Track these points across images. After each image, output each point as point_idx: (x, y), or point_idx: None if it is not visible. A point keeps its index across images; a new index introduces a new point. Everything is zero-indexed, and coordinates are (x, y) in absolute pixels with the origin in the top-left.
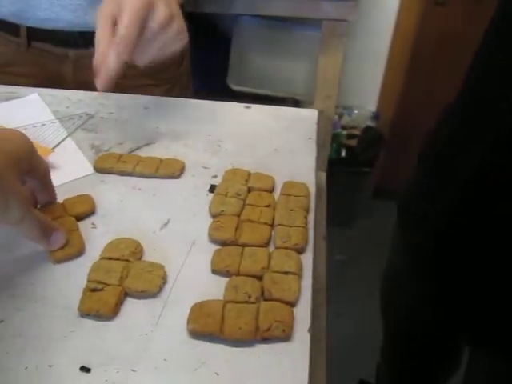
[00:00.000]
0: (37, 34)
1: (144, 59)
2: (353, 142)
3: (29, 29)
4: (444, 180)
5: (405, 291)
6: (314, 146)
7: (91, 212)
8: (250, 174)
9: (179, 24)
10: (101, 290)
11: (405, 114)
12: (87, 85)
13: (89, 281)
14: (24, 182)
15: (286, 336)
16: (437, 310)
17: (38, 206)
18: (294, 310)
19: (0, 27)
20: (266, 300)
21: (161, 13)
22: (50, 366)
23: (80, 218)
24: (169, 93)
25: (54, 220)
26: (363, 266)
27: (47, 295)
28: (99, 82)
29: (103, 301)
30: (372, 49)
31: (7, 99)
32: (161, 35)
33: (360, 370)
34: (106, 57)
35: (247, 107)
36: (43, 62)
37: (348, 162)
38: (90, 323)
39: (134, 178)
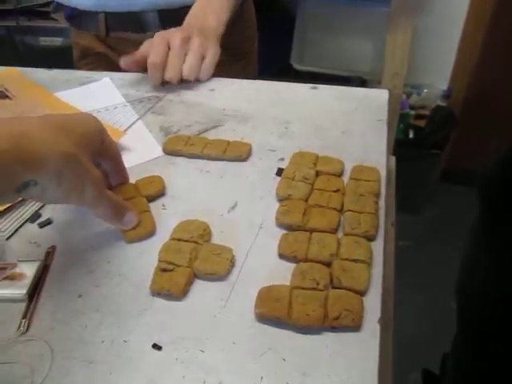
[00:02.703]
0: (114, 21)
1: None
2: (421, 123)
3: (107, 16)
4: None
5: (489, 286)
6: (384, 128)
7: (162, 193)
8: (317, 158)
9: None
10: (171, 270)
11: (478, 93)
12: None
13: (159, 261)
14: (98, 164)
15: (355, 325)
16: None
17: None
18: (364, 299)
19: (80, 20)
20: (334, 288)
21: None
22: (124, 341)
23: (151, 199)
24: (245, 68)
25: (126, 201)
26: (428, 253)
27: (122, 273)
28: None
29: (173, 281)
30: (445, 23)
31: (81, 84)
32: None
33: (422, 360)
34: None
35: (314, 88)
36: (121, 49)
37: (416, 143)
38: (160, 302)
39: (201, 161)
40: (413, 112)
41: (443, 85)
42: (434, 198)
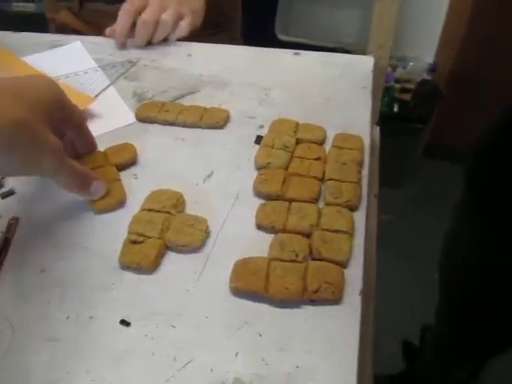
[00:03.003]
0: None
1: None
2: (406, 97)
3: None
4: None
5: (472, 258)
6: (369, 95)
7: (133, 161)
8: (298, 125)
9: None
10: (141, 242)
11: (464, 67)
12: None
13: (129, 232)
14: (61, 132)
15: (335, 298)
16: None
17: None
18: (345, 271)
19: None
20: (314, 259)
21: None
22: (90, 317)
23: (121, 167)
24: (230, 40)
25: (94, 169)
26: (410, 226)
27: (88, 246)
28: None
29: (143, 253)
30: None
31: (51, 47)
32: None
33: (401, 331)
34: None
35: (296, 54)
36: (97, 22)
37: (400, 117)
38: (130, 276)
39: (176, 128)
40: (398, 85)
41: (429, 58)
42: (417, 172)
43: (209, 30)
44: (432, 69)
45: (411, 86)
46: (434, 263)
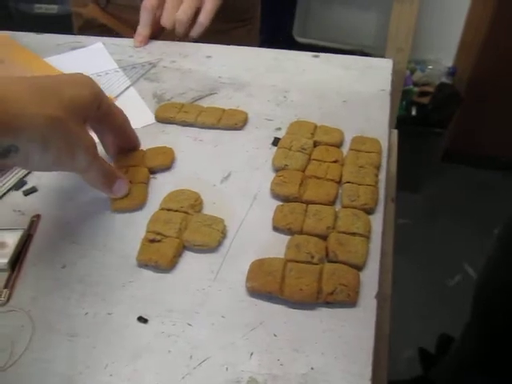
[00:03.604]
0: None
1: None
2: (425, 100)
3: None
4: None
5: None
6: (387, 98)
7: (168, 167)
8: (316, 127)
9: None
10: (159, 241)
11: (485, 71)
12: None
13: (147, 231)
14: (100, 130)
15: (350, 301)
16: None
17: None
18: (361, 274)
19: None
20: (330, 262)
21: None
22: (108, 313)
23: (155, 170)
24: (250, 34)
25: (129, 168)
26: (427, 231)
27: (107, 244)
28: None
29: (161, 252)
30: None
31: (72, 48)
32: None
33: (416, 337)
34: None
35: (315, 56)
36: (123, 16)
37: (418, 121)
38: (147, 274)
39: (195, 129)
40: (416, 89)
41: (448, 62)
42: (435, 176)
43: (227, 25)
44: (451, 73)
45: (430, 89)
46: (449, 269)
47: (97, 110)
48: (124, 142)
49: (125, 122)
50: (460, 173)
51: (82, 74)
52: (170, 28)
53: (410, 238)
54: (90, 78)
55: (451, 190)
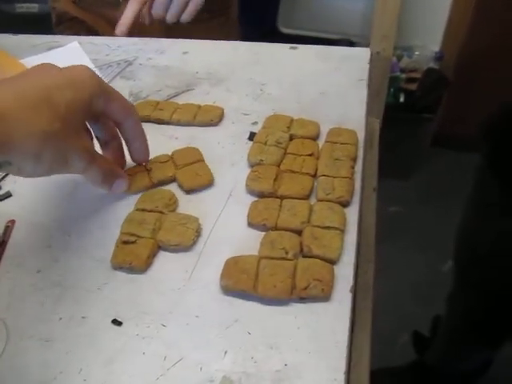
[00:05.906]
0: None
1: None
2: (412, 86)
3: None
4: None
5: (494, 228)
6: (364, 88)
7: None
8: (292, 121)
9: None
10: (133, 242)
11: (472, 54)
12: None
13: (122, 233)
14: (111, 127)
15: (324, 295)
16: None
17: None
18: (336, 267)
19: None
20: (304, 257)
21: None
22: (83, 317)
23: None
24: (224, 25)
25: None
26: (419, 217)
27: (82, 246)
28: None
29: (135, 253)
30: None
31: (49, 48)
32: None
33: (412, 322)
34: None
35: (293, 48)
36: (95, 10)
37: (406, 107)
38: (122, 276)
39: (171, 127)
40: (403, 75)
41: (435, 46)
42: (426, 162)
43: (202, 15)
44: (438, 57)
45: (417, 75)
46: (443, 253)
47: (104, 105)
48: (137, 142)
49: (136, 124)
50: (450, 157)
51: (79, 67)
52: (159, 17)
53: (402, 224)
54: (88, 71)
55: (443, 174)
